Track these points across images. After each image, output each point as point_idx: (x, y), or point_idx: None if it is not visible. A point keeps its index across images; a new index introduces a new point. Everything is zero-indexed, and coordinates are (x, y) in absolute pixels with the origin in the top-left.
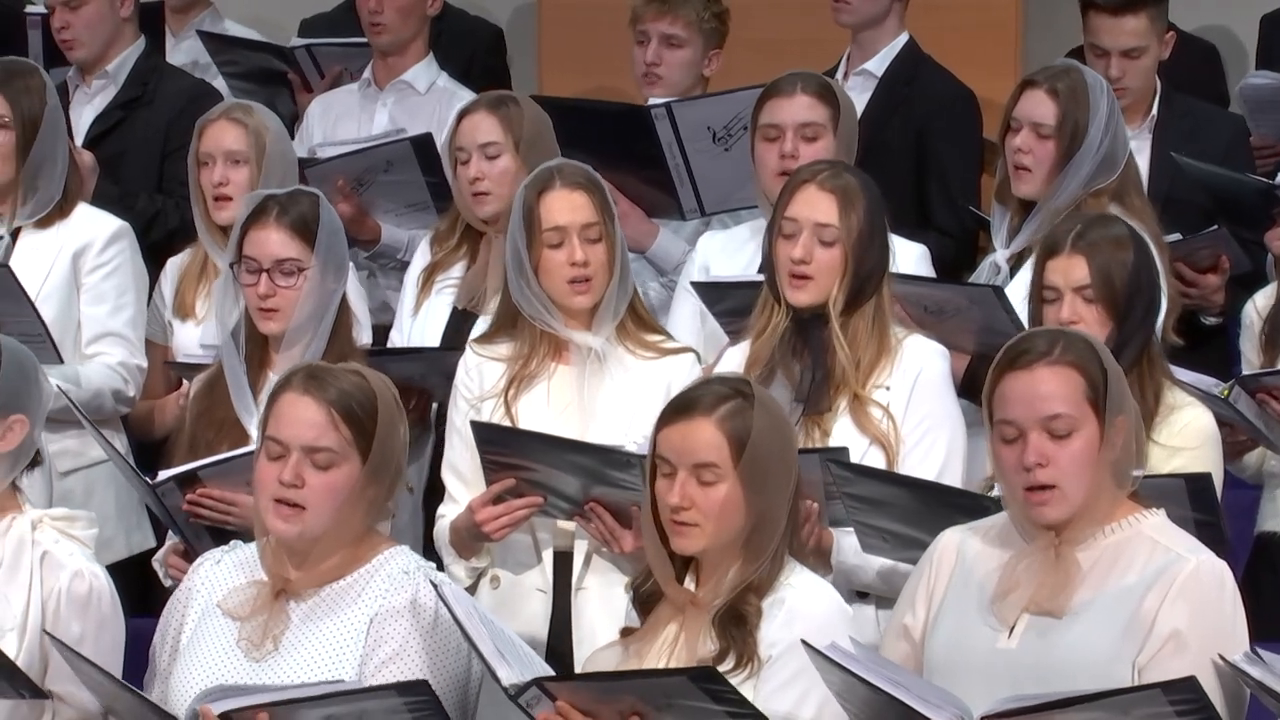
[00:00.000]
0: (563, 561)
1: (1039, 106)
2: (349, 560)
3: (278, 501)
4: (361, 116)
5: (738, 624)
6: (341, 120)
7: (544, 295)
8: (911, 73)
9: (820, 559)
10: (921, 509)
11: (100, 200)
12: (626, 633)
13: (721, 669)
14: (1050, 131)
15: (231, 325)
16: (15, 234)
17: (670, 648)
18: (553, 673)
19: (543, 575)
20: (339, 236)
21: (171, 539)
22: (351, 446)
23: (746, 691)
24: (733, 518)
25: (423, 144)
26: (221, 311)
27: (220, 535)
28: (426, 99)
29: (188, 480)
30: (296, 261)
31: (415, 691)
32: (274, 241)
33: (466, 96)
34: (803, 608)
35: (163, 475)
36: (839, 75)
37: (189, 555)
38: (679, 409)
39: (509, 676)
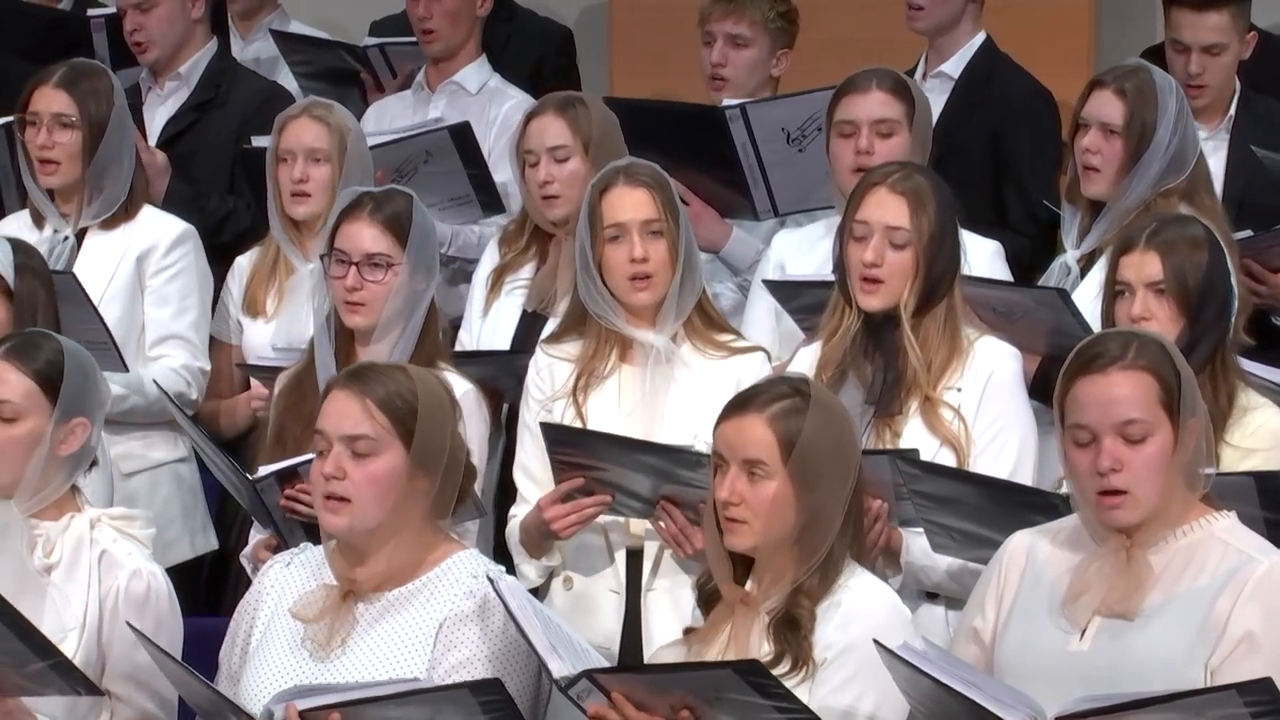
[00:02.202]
0: (635, 561)
1: (1106, 106)
2: (416, 562)
3: (326, 498)
4: (414, 119)
5: (791, 628)
6: (396, 124)
7: (608, 293)
8: (988, 73)
9: (889, 559)
10: (991, 507)
11: (172, 200)
12: (689, 632)
13: (776, 673)
14: (1118, 131)
15: (324, 315)
16: (81, 235)
17: (727, 647)
18: (605, 665)
19: (615, 576)
20: (431, 238)
21: (255, 535)
22: (391, 435)
23: (802, 694)
24: (782, 516)
25: (460, 133)
26: (314, 301)
27: (314, 531)
28: (477, 98)
29: (286, 476)
30: (386, 257)
31: (488, 690)
32: (366, 236)
33: (516, 95)
34: (860, 608)
35: (263, 471)
36: (917, 78)
37: (281, 551)
38: (735, 405)
39: (560, 669)
